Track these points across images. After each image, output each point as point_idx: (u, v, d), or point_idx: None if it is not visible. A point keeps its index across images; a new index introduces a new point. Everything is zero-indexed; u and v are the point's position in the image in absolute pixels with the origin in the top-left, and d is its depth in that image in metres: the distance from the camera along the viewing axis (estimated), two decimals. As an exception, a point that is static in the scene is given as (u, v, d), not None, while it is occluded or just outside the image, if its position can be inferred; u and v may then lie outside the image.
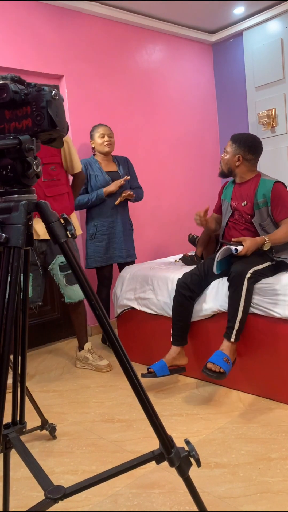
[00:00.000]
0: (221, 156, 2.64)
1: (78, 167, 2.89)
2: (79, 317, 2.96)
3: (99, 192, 3.16)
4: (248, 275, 2.26)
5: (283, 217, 2.47)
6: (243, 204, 2.55)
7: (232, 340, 2.26)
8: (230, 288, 2.30)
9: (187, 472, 1.14)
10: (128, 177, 3.20)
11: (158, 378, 2.70)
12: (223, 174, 2.65)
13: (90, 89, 3.69)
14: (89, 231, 3.27)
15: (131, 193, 3.23)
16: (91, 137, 3.30)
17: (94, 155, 3.34)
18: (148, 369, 2.45)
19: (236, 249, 2.32)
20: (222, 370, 2.16)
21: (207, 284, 2.54)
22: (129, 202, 3.43)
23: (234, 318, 2.26)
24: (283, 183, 2.55)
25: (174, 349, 2.53)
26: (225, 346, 2.26)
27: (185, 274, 2.58)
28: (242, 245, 2.37)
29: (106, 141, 3.22)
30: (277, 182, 2.51)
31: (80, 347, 3.00)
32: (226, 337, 2.29)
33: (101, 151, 3.26)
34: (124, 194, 3.20)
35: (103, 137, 3.22)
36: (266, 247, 2.39)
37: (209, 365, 2.18)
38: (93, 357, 2.97)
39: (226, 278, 2.39)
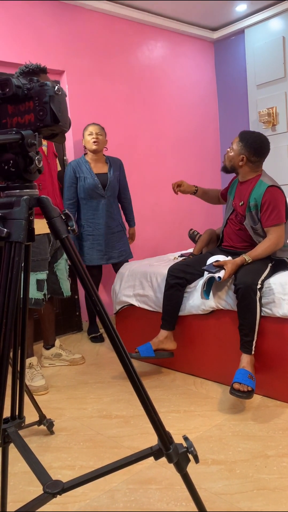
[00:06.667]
0: (226, 150, 2.57)
1: None
2: (53, 313, 3.00)
3: None
4: (258, 286, 2.23)
5: (270, 224, 2.38)
6: (240, 204, 2.52)
7: (253, 353, 2.24)
8: (242, 302, 2.23)
9: (185, 468, 1.14)
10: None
11: (156, 375, 2.72)
12: (225, 169, 2.58)
13: (91, 85, 3.68)
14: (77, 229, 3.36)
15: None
16: (83, 135, 3.32)
17: (85, 154, 3.35)
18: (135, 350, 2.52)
19: (220, 277, 2.29)
20: (249, 389, 2.12)
21: (199, 272, 2.56)
22: (120, 205, 3.48)
23: (252, 332, 2.22)
24: (279, 188, 2.43)
25: (162, 333, 2.60)
26: (245, 362, 2.22)
27: (176, 263, 2.66)
28: (224, 268, 2.33)
29: (94, 138, 3.23)
30: (272, 186, 2.40)
31: (50, 345, 3.01)
32: (246, 351, 2.24)
33: (89, 148, 3.28)
34: None
35: (91, 134, 3.24)
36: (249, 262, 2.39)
37: (236, 386, 2.12)
38: (66, 352, 3.00)
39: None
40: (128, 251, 3.46)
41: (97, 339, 3.44)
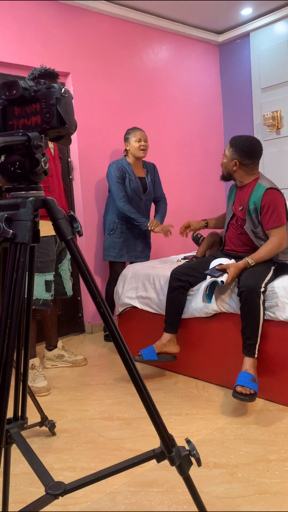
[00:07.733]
0: (222, 159, 2.61)
1: None
2: (56, 314, 3.02)
3: (143, 225, 3.24)
4: (262, 289, 2.22)
5: (271, 226, 2.38)
6: (240, 209, 2.52)
7: (256, 356, 2.23)
8: (245, 305, 2.22)
9: (187, 471, 1.14)
10: (171, 228, 3.28)
11: (159, 378, 2.71)
12: (224, 178, 2.61)
13: (96, 87, 3.69)
14: (109, 226, 3.38)
15: (165, 229, 3.24)
16: (127, 140, 3.36)
17: (125, 156, 3.40)
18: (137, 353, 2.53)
19: (222, 281, 2.28)
20: (252, 391, 2.11)
21: (202, 275, 2.56)
22: (152, 205, 3.58)
23: (255, 335, 2.21)
24: (277, 189, 2.42)
25: (165, 336, 2.59)
26: (248, 365, 2.21)
27: (180, 265, 2.67)
28: (227, 272, 2.32)
29: (142, 145, 3.30)
30: (270, 188, 2.39)
31: (52, 346, 3.01)
32: (248, 354, 2.23)
33: (135, 155, 3.33)
34: (157, 229, 3.23)
35: (140, 141, 3.29)
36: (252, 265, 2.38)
37: (239, 389, 2.11)
38: (68, 353, 3.01)
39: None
40: (145, 254, 3.56)
41: (110, 338, 3.44)
